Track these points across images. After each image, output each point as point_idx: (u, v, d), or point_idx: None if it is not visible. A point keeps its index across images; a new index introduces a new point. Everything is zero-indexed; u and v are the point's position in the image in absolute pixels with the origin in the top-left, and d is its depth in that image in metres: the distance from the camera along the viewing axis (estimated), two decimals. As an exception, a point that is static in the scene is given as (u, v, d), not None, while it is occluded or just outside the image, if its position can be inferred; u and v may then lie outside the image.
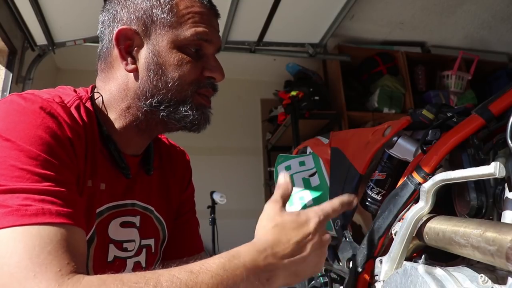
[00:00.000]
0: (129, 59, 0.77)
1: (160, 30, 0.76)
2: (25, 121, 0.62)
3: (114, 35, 0.76)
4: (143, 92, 0.77)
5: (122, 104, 0.79)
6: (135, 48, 0.77)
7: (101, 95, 0.80)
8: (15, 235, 0.53)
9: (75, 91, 0.77)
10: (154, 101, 0.77)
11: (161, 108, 0.77)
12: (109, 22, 0.80)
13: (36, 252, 0.53)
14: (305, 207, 1.09)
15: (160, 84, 0.76)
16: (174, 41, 0.76)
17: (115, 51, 0.78)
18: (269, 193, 3.79)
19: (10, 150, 0.59)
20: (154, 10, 0.77)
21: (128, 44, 0.77)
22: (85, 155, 0.71)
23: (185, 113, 0.78)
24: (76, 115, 0.71)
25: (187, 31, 0.76)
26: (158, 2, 0.77)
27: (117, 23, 0.78)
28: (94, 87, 0.82)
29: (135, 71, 0.77)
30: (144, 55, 0.77)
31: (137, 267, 0.84)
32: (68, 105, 0.71)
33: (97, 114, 0.78)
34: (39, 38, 2.73)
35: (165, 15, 0.76)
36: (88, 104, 0.77)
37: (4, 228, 0.53)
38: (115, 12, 0.79)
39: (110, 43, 0.79)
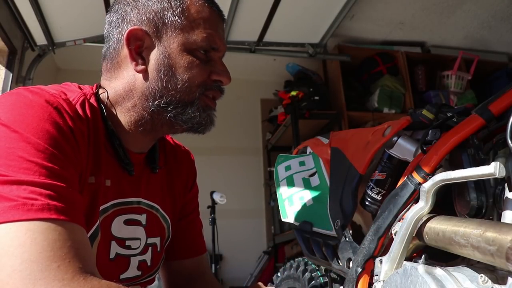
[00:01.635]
0: (139, 59, 0.78)
1: (172, 32, 0.77)
2: (33, 114, 0.62)
3: (124, 35, 0.77)
4: (151, 92, 0.77)
5: (127, 103, 0.79)
6: (145, 49, 0.78)
7: (107, 92, 0.80)
8: (30, 227, 0.54)
9: (80, 87, 0.78)
10: (162, 101, 0.77)
11: (169, 109, 0.78)
12: (118, 22, 0.80)
13: (58, 246, 0.54)
14: (304, 206, 1.09)
15: (169, 85, 0.77)
16: (185, 44, 0.77)
17: (124, 51, 0.78)
18: (269, 193, 3.79)
19: (18, 141, 0.59)
20: (165, 12, 0.77)
21: (138, 44, 0.77)
22: (87, 152, 0.72)
23: (192, 115, 0.79)
24: (80, 111, 0.71)
25: (198, 36, 0.78)
26: (170, 5, 0.78)
27: (127, 24, 0.79)
28: (99, 85, 0.83)
29: (144, 72, 0.78)
30: (154, 56, 0.77)
31: (142, 266, 0.85)
32: (73, 102, 0.71)
33: (102, 111, 0.78)
34: (39, 38, 2.73)
35: (176, 18, 0.77)
36: (93, 101, 0.77)
37: (10, 222, 0.54)
38: (124, 13, 0.79)
39: (119, 43, 0.79)
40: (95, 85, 0.83)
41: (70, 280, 0.53)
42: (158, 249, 0.89)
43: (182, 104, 0.78)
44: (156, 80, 0.77)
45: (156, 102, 0.77)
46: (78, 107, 0.71)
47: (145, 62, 0.78)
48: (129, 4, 0.80)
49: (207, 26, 0.79)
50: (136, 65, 0.77)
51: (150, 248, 0.87)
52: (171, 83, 0.77)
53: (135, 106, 0.79)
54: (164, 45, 0.77)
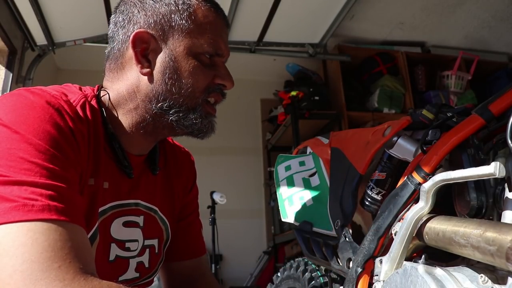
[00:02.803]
0: (144, 62, 0.77)
1: (178, 35, 0.77)
2: (34, 115, 0.62)
3: (131, 38, 0.76)
4: (155, 95, 0.77)
5: (130, 105, 0.79)
6: (151, 52, 0.77)
7: (108, 94, 0.80)
8: (31, 227, 0.54)
9: (80, 89, 0.77)
10: (165, 104, 0.77)
11: (171, 112, 0.78)
12: (124, 23, 0.79)
13: (59, 246, 0.55)
14: (304, 206, 1.09)
15: (173, 89, 0.77)
16: (191, 48, 0.77)
17: (129, 53, 0.78)
18: (269, 193, 3.79)
19: (19, 142, 0.59)
20: (172, 16, 0.77)
21: (144, 47, 0.77)
22: (87, 154, 0.72)
23: (194, 121, 0.79)
24: (81, 113, 0.71)
25: (204, 42, 0.78)
26: (177, 8, 0.77)
27: (133, 25, 0.78)
28: (100, 87, 0.82)
29: (149, 74, 0.77)
30: (160, 59, 0.77)
31: (140, 268, 0.84)
32: (74, 103, 0.71)
33: (103, 113, 0.77)
34: (39, 38, 2.73)
35: (183, 21, 0.77)
36: (94, 102, 0.77)
37: (11, 223, 0.54)
38: (131, 14, 0.79)
39: (124, 44, 0.79)
40: (96, 86, 0.82)
41: (71, 280, 0.53)
42: (156, 251, 0.89)
43: (184, 109, 0.78)
44: (161, 82, 0.77)
45: (159, 104, 0.77)
46: (78, 108, 0.71)
47: (151, 64, 0.77)
48: (136, 6, 0.79)
49: (213, 31, 0.79)
50: (142, 67, 0.77)
51: (147, 250, 0.86)
52: (176, 86, 0.77)
53: (137, 107, 0.79)
54: (170, 48, 0.77)
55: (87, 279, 0.54)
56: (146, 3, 0.78)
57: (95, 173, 0.74)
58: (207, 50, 0.78)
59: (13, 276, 0.51)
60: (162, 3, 0.78)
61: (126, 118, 0.80)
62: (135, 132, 0.80)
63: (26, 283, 0.51)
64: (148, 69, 0.77)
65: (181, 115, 0.78)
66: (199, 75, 0.78)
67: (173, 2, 0.78)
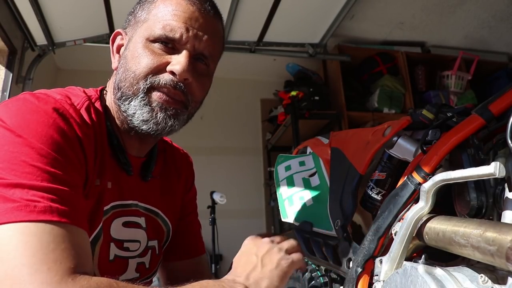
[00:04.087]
0: (116, 56, 0.82)
1: (135, 26, 0.79)
2: (38, 120, 0.63)
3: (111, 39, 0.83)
4: (115, 86, 0.80)
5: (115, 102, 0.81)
6: (121, 48, 0.82)
7: (108, 94, 0.83)
8: (26, 229, 0.54)
9: (84, 92, 0.78)
10: (118, 94, 0.78)
11: (120, 101, 0.78)
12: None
13: (51, 248, 0.54)
14: (304, 206, 1.09)
15: (123, 77, 0.77)
16: (143, 35, 0.77)
17: None
18: (269, 193, 3.79)
19: (22, 146, 0.60)
20: (138, 11, 0.81)
21: (118, 44, 0.83)
22: (94, 155, 0.72)
23: (134, 108, 0.75)
24: (86, 116, 0.72)
25: (155, 27, 0.75)
26: (144, 3, 0.81)
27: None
28: (103, 88, 0.85)
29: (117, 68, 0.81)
30: (122, 51, 0.81)
31: (140, 268, 0.85)
32: (78, 106, 0.72)
33: (105, 114, 0.79)
34: (39, 38, 2.73)
35: (143, 12, 0.79)
36: (98, 104, 0.78)
37: (12, 222, 0.54)
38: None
39: None
40: (100, 87, 0.84)
41: (58, 282, 0.52)
42: (157, 252, 0.89)
43: (128, 96, 0.76)
44: (117, 73, 0.80)
45: (117, 95, 0.79)
46: (83, 111, 0.72)
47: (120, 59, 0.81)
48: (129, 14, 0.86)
49: (168, 18, 0.75)
50: (114, 62, 0.82)
51: (149, 251, 0.87)
52: (124, 74, 0.77)
53: (116, 103, 0.81)
54: (129, 38, 0.80)
55: (75, 278, 0.54)
56: (133, 8, 0.85)
57: (100, 173, 0.75)
58: (156, 36, 0.75)
59: (4, 281, 0.51)
60: (137, 4, 0.83)
61: (117, 117, 0.81)
62: (125, 130, 0.81)
63: None
64: (117, 63, 0.81)
65: (126, 103, 0.76)
66: (143, 60, 0.74)
67: (143, 0, 0.82)
